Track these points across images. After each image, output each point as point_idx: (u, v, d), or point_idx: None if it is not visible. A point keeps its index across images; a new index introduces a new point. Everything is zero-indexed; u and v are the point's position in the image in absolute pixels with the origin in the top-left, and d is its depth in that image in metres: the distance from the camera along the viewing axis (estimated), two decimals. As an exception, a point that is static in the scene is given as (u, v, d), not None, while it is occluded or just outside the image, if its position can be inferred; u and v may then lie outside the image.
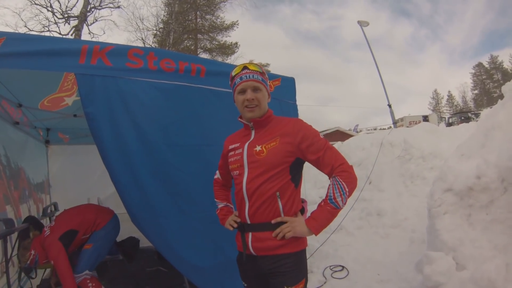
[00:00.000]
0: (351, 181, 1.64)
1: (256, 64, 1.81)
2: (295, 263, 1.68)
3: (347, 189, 1.61)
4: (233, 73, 1.80)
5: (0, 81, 2.93)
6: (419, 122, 21.66)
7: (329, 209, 1.63)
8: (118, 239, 3.88)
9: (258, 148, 1.71)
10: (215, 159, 2.86)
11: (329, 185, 1.66)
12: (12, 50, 2.16)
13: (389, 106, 19.09)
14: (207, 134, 2.97)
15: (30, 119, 4.22)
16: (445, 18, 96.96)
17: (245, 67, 1.77)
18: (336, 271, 3.94)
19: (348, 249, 4.56)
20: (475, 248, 2.71)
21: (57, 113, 4.16)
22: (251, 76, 1.74)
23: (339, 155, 1.69)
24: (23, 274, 3.30)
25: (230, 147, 1.88)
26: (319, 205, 1.67)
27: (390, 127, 21.51)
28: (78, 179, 5.17)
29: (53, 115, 4.24)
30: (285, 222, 1.66)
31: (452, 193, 3.01)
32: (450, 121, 27.51)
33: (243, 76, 1.75)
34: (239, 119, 1.86)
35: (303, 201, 1.85)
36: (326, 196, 1.64)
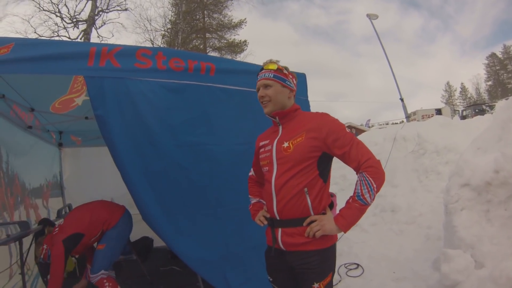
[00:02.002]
0: (378, 177, 1.64)
1: (274, 62, 1.89)
2: (323, 259, 1.71)
3: (374, 185, 1.62)
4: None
5: (11, 86, 2.96)
6: (432, 115, 21.32)
7: (357, 206, 1.64)
8: (132, 239, 3.91)
9: (285, 144, 1.75)
10: (223, 158, 2.97)
11: (357, 181, 1.67)
12: (21, 56, 2.18)
13: (401, 100, 18.81)
14: (216, 133, 2.98)
15: (42, 122, 4.26)
16: (456, 8, 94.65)
17: (261, 68, 1.88)
18: (351, 269, 3.90)
19: (363, 246, 4.51)
20: (493, 245, 2.64)
21: (69, 116, 4.20)
22: (263, 75, 1.85)
23: (365, 150, 1.70)
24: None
25: (261, 144, 1.94)
26: (347, 202, 1.69)
27: (403, 121, 21.23)
28: (91, 180, 5.22)
29: (65, 118, 4.28)
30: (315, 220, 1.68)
31: (469, 188, 2.94)
32: (464, 113, 26.93)
33: (258, 77, 1.88)
34: (267, 116, 1.91)
35: (332, 195, 1.86)
36: (354, 192, 1.66)
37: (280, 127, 1.86)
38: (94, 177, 5.23)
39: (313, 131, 1.71)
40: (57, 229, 3.05)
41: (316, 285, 1.68)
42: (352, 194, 1.67)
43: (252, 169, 2.16)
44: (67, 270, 3.79)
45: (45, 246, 2.97)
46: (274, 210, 1.75)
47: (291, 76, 1.88)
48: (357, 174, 1.70)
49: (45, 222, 3.27)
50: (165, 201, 2.70)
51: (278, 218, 1.76)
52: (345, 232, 1.67)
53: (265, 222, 1.84)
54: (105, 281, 3.02)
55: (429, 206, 5.10)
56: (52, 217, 4.28)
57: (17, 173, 3.32)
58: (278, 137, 1.82)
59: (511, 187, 2.66)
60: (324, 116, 1.78)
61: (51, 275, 2.86)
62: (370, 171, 1.63)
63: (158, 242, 4.68)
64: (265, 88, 1.82)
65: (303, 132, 1.73)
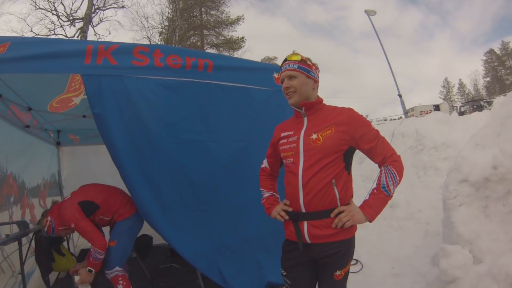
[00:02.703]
0: (401, 171, 1.74)
1: (297, 53, 1.86)
2: (347, 249, 1.77)
3: (398, 178, 1.71)
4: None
5: (8, 85, 2.94)
6: (430, 111, 21.31)
7: (382, 197, 1.71)
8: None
9: (314, 136, 1.75)
10: (221, 155, 3.00)
11: (381, 173, 1.74)
12: (18, 55, 2.18)
13: (400, 96, 18.86)
14: (213, 130, 3.00)
15: (40, 121, 4.24)
16: (455, 4, 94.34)
17: (285, 60, 1.86)
18: (350, 265, 3.90)
19: (362, 242, 4.50)
20: (492, 240, 2.65)
21: (67, 114, 4.19)
22: (287, 66, 1.83)
23: (389, 146, 1.79)
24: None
25: (282, 134, 1.90)
26: (372, 193, 1.75)
27: (401, 117, 21.24)
28: (90, 178, 5.12)
29: (63, 117, 4.27)
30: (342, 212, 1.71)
31: (467, 184, 2.94)
32: (462, 109, 26.88)
33: (282, 68, 1.86)
34: (292, 106, 1.90)
35: None
36: (378, 184, 1.72)
37: (305, 119, 1.84)
38: (92, 175, 5.15)
39: (342, 125, 1.73)
40: (68, 196, 2.95)
41: (338, 272, 1.75)
42: (375, 186, 1.74)
43: (265, 161, 2.12)
44: (67, 269, 3.77)
45: (49, 218, 2.86)
46: (301, 203, 1.73)
47: (314, 67, 1.87)
48: (380, 167, 1.77)
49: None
50: (162, 198, 2.73)
51: (304, 211, 1.74)
52: (371, 222, 1.72)
53: (286, 217, 1.81)
54: (120, 278, 2.97)
55: (428, 202, 5.11)
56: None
57: (12, 173, 3.29)
58: (304, 129, 1.80)
59: (510, 183, 2.66)
60: (352, 111, 1.81)
61: (86, 234, 2.76)
62: (395, 165, 1.72)
63: (157, 240, 4.67)
64: (290, 79, 1.81)
65: (332, 125, 1.74)
